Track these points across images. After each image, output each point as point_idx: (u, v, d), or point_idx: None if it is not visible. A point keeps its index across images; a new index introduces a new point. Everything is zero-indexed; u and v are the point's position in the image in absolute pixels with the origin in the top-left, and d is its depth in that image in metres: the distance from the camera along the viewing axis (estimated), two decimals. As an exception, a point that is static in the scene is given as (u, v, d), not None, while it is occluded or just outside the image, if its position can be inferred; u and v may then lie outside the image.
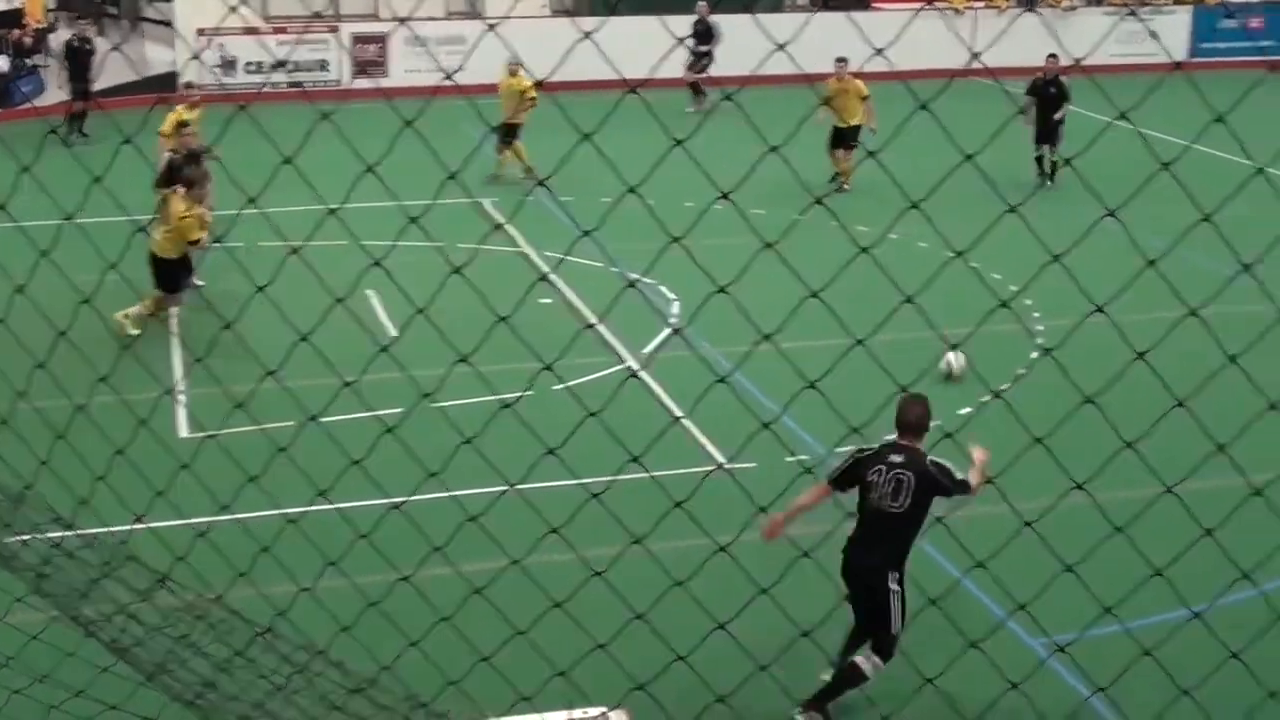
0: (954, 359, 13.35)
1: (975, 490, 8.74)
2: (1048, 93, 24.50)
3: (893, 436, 9.06)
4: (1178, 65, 6.45)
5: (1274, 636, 5.61)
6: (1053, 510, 4.61)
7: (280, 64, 33.10)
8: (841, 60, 24.03)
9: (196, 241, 16.62)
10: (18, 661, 5.76)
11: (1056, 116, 24.23)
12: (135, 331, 16.52)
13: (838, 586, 8.15)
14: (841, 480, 9.20)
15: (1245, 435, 4.99)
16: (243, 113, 4.47)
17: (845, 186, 24.83)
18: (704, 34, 34.30)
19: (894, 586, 8.75)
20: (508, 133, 25.06)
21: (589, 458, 5.94)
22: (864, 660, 8.81)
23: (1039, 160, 24.43)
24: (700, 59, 34.31)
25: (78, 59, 28.16)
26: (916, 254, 18.52)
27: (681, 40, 3.86)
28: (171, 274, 16.83)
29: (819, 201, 4.16)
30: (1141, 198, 5.94)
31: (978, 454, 8.97)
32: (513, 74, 25.26)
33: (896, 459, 8.97)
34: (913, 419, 9.04)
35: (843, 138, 24.57)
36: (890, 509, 8.92)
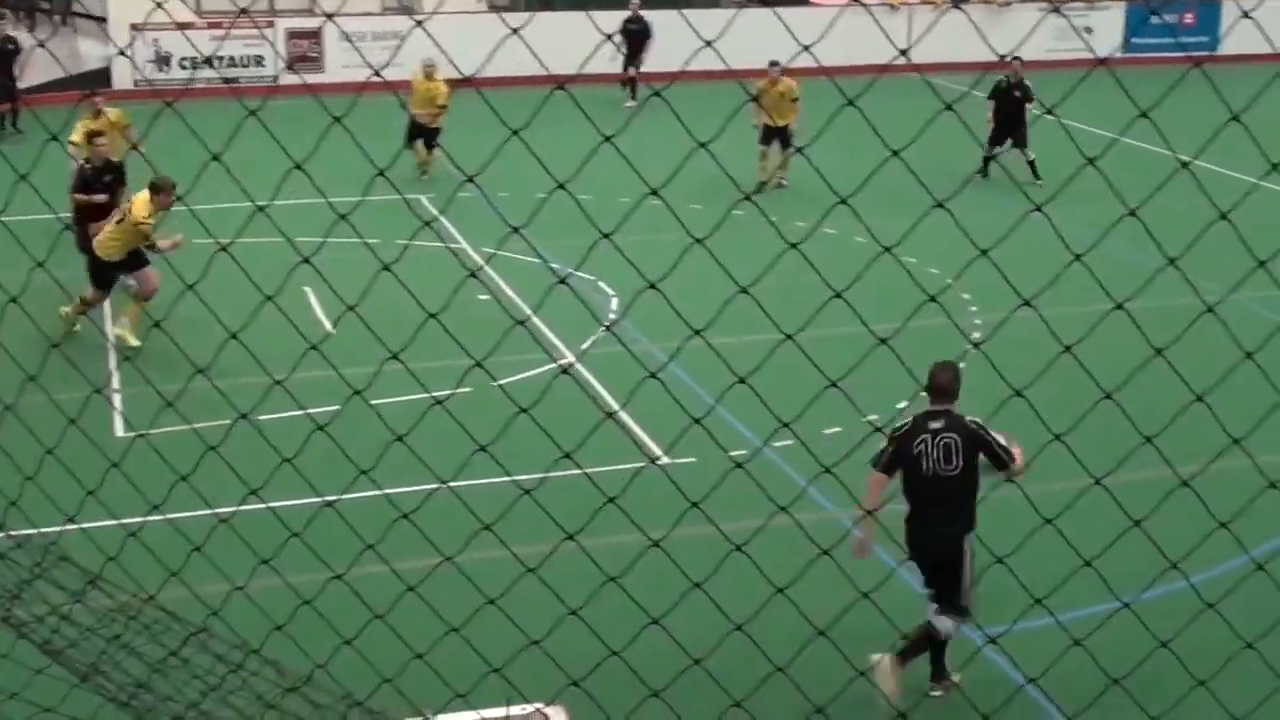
0: None
1: (1019, 472, 8.71)
2: (1011, 95, 24.67)
3: (922, 410, 9.28)
4: (1101, 61, 6.58)
5: (1202, 626, 5.68)
6: (985, 500, 4.65)
7: (209, 60, 32.81)
8: (774, 63, 24.09)
9: (153, 245, 16.50)
10: (-52, 666, 5.69)
11: (1026, 118, 24.49)
12: (126, 334, 16.57)
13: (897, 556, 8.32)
14: (891, 465, 9.33)
15: (1173, 428, 5.06)
16: (172, 109, 4.44)
17: (783, 183, 24.96)
18: (639, 31, 34.24)
19: (968, 549, 8.91)
20: (428, 135, 24.87)
21: (526, 454, 5.94)
22: (938, 620, 9.06)
23: (987, 160, 24.52)
24: (635, 55, 34.25)
25: (2, 58, 27.92)
26: (854, 249, 18.58)
27: (609, 37, 3.86)
28: (108, 274, 16.80)
29: (748, 198, 4.17)
30: (1080, 193, 6.02)
31: (1017, 452, 8.96)
32: (428, 76, 25.07)
33: (937, 425, 9.12)
34: (944, 383, 9.17)
35: (773, 136, 24.79)
36: (945, 473, 9.06)
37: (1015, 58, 24.62)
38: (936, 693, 9.11)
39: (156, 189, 16.35)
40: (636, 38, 34.37)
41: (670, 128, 4.12)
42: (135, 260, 16.85)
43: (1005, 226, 4.77)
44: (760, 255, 5.14)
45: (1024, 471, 8.69)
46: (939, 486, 9.13)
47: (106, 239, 16.58)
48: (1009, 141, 24.61)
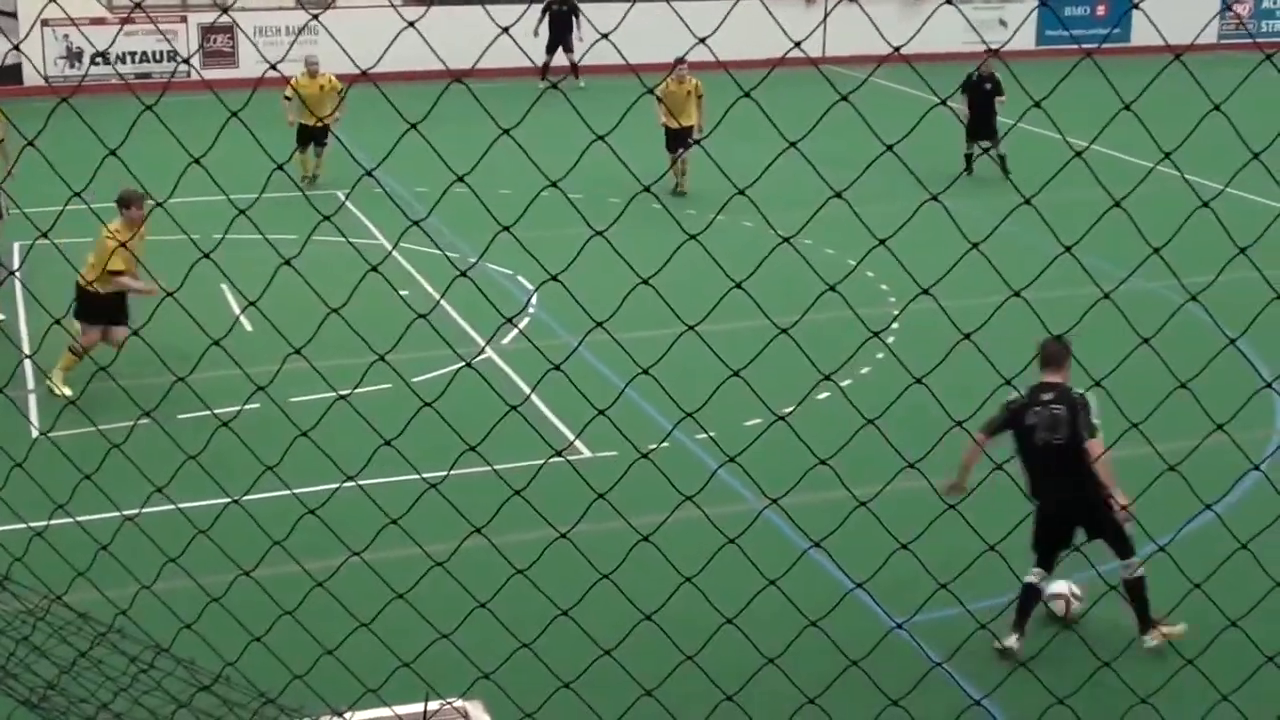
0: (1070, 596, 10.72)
1: (1112, 488, 9.50)
2: (982, 89, 24.48)
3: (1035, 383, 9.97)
4: (993, 52, 6.64)
5: (1105, 612, 5.79)
6: (883, 491, 4.71)
7: (102, 55, 32.42)
8: (680, 60, 22.27)
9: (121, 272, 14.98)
10: None
11: (997, 111, 24.44)
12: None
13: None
14: (996, 427, 10.07)
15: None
16: (66, 105, 4.40)
17: (682, 189, 23.64)
18: (568, 10, 33.66)
19: (1108, 500, 9.61)
20: (318, 135, 23.45)
21: (440, 451, 5.95)
22: (1131, 569, 9.85)
23: (969, 157, 24.36)
24: (564, 36, 33.55)
25: None
26: (771, 241, 18.60)
27: (505, 29, 3.87)
28: (93, 309, 15.02)
29: (647, 189, 4.20)
30: (1003, 187, 6.07)
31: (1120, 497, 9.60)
32: (313, 74, 23.39)
33: (1047, 397, 9.83)
34: (1053, 352, 9.87)
35: (678, 139, 23.75)
36: (1055, 443, 9.74)
37: (989, 50, 24.80)
38: (1154, 642, 9.63)
39: (123, 203, 14.95)
40: (563, 18, 33.63)
41: (604, 121, 4.12)
42: (117, 312, 15.25)
43: (915, 218, 4.84)
44: (669, 251, 5.18)
45: (1105, 467, 9.44)
46: (1050, 456, 9.77)
47: (88, 270, 14.66)
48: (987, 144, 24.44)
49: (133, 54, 33.06)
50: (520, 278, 19.07)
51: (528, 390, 15.07)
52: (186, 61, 5.01)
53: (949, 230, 5.00)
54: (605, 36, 4.01)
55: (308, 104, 22.51)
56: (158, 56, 33.50)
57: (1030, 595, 9.94)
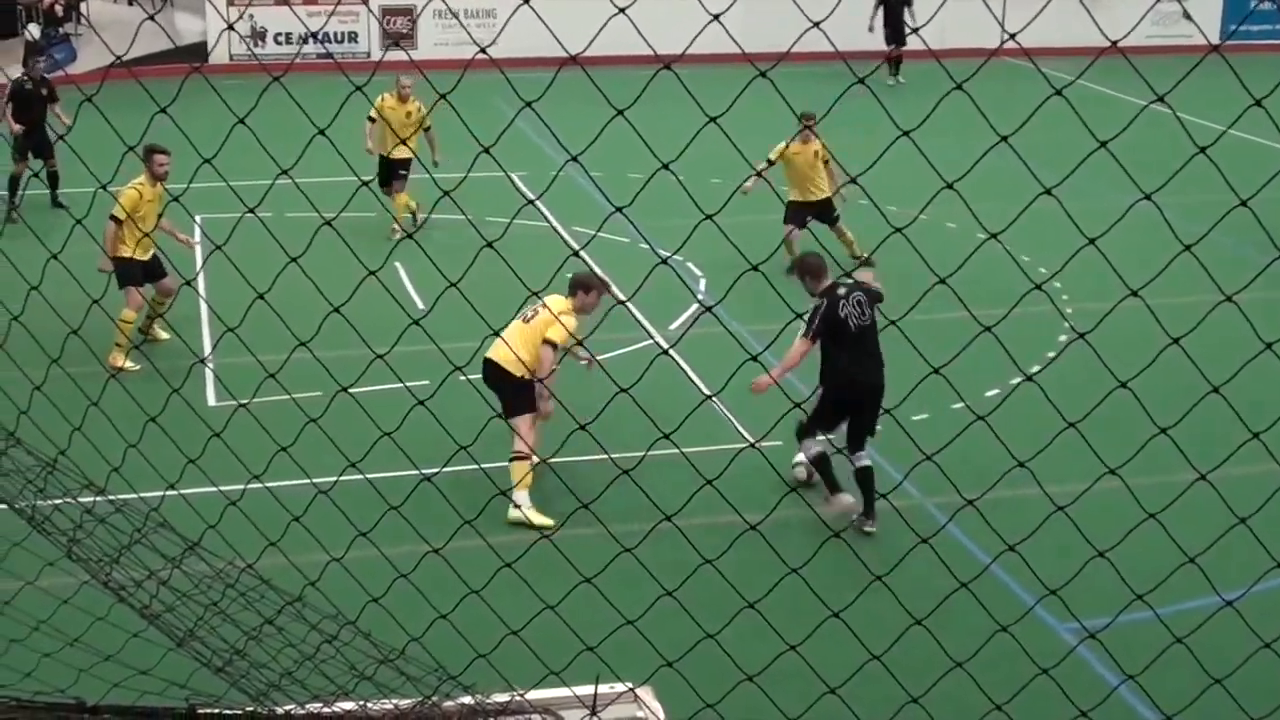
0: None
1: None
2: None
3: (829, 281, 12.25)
4: (1214, 48, 6.37)
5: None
6: (1071, 496, 4.58)
7: (313, 35, 33.14)
8: (809, 118, 17.62)
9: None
10: (48, 625, 5.80)
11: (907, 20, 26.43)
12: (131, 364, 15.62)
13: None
14: (818, 331, 11.95)
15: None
16: (276, 83, 4.47)
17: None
18: (898, 5, 33.09)
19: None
20: (395, 168, 20.42)
21: (636, 435, 5.94)
22: (861, 459, 12.15)
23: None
24: (896, 24, 33.03)
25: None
26: (946, 234, 18.49)
27: (716, 17, 3.84)
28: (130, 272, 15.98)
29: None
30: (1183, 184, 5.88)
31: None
32: (403, 99, 20.55)
33: (842, 291, 12.09)
34: (819, 264, 12.33)
35: (805, 214, 19.02)
36: (864, 324, 12.01)
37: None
38: (872, 528, 11.99)
39: (148, 154, 15.47)
40: (895, 8, 33.02)
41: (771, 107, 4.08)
42: (157, 268, 16.25)
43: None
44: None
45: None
46: (864, 337, 12.02)
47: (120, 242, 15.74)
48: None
49: (314, 35, 33.80)
50: (691, 264, 19.07)
51: (696, 378, 15.10)
52: (397, 44, 5.03)
53: (1119, 228, 4.83)
54: (917, 30, 3.95)
55: (390, 131, 20.01)
56: (338, 37, 34.18)
57: (826, 461, 12.12)
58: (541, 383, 11.61)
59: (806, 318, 11.95)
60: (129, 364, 15.45)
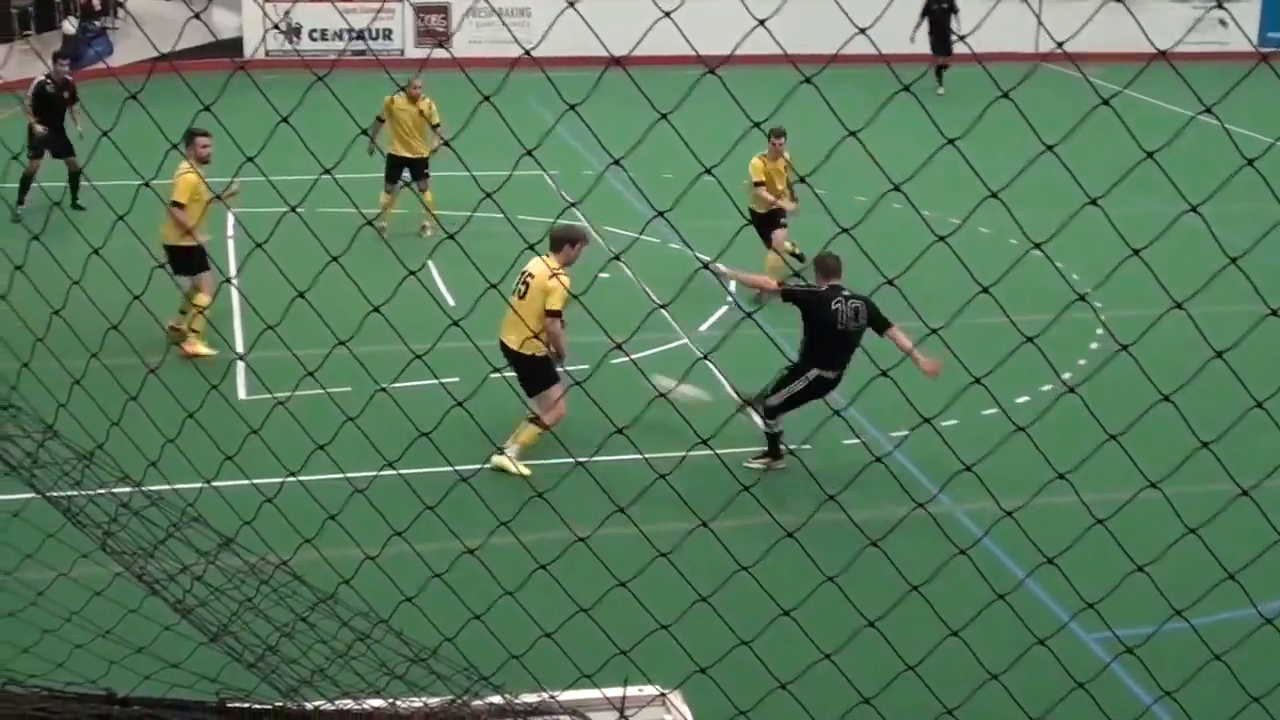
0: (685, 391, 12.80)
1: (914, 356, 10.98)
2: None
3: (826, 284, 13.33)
4: (1263, 58, 6.33)
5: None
6: (1103, 504, 4.56)
7: (356, 32, 33.24)
8: (777, 134, 18.32)
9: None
10: (81, 617, 5.83)
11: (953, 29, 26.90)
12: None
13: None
14: (794, 297, 13.25)
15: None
16: (319, 81, 4.48)
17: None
18: (948, 9, 32.91)
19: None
20: (415, 167, 20.56)
21: (670, 435, 5.92)
22: (775, 425, 13.64)
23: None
24: (943, 34, 32.78)
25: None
26: (983, 241, 18.35)
27: (761, 22, 3.82)
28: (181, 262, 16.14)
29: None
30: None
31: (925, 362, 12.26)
32: (413, 99, 20.28)
33: (845, 293, 13.15)
34: (834, 264, 13.23)
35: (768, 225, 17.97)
36: (850, 328, 13.08)
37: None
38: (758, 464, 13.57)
39: (189, 138, 15.81)
40: (942, 17, 32.66)
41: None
42: (205, 259, 16.36)
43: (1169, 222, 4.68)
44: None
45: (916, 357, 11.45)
46: (846, 340, 13.12)
47: (172, 230, 16.13)
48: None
49: (348, 31, 33.90)
50: (719, 265, 19.03)
51: (724, 379, 15.08)
52: (440, 43, 5.04)
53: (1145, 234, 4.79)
54: (964, 38, 3.93)
55: (402, 130, 20.26)
56: (373, 34, 34.27)
57: (780, 436, 13.53)
58: (556, 355, 11.86)
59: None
60: (205, 349, 15.85)
